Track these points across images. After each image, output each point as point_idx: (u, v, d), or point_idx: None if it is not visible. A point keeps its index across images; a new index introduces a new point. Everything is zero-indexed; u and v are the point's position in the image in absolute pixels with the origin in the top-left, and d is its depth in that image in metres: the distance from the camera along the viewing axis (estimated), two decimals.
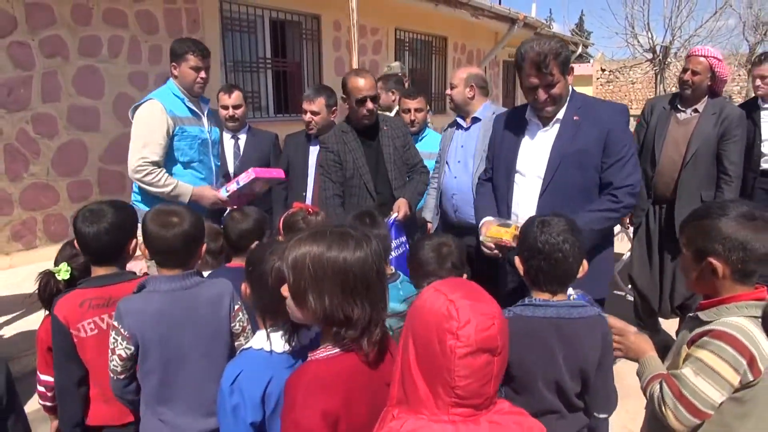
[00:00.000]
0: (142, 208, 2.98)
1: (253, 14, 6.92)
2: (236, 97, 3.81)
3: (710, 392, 1.46)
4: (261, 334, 1.53)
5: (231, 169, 3.83)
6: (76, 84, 5.14)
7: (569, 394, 1.68)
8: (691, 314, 1.68)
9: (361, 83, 3.05)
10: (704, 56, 3.34)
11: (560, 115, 2.42)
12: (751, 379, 1.47)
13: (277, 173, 3.18)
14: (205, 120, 3.27)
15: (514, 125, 2.55)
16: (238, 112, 3.82)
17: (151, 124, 3.00)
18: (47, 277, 1.99)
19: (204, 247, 1.92)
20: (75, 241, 1.94)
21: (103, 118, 5.37)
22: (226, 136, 3.87)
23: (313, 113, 3.50)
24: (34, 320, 3.64)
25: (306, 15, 7.66)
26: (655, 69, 13.36)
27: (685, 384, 1.49)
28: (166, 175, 3.03)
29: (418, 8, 8.63)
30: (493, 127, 2.71)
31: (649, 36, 13.81)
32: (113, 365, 1.77)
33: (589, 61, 25.49)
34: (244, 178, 3.00)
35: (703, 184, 3.51)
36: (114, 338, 1.75)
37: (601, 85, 23.72)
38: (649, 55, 13.74)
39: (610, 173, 2.33)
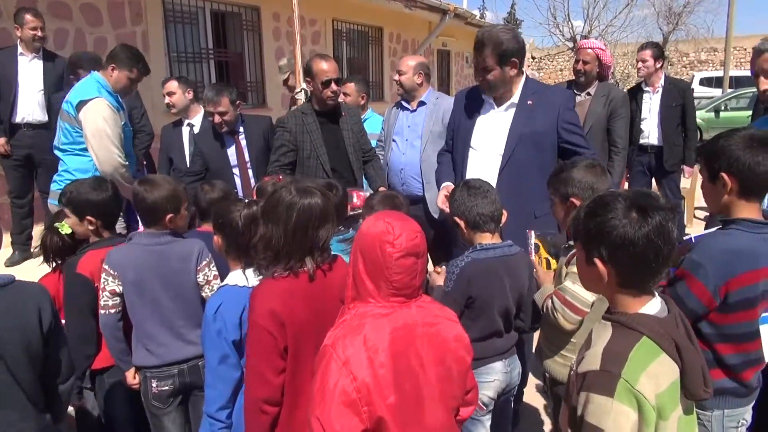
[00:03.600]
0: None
1: (195, 6, 7.15)
2: (167, 86, 4.00)
3: (584, 294, 1.97)
4: (234, 273, 1.96)
5: (186, 153, 3.99)
6: None
7: (510, 317, 2.20)
8: (565, 246, 2.24)
9: (325, 66, 3.23)
10: (591, 48, 4.00)
11: (515, 99, 2.70)
12: None
13: None
14: (126, 113, 3.57)
15: (472, 103, 2.83)
16: (173, 99, 3.97)
17: (114, 121, 3.24)
18: (51, 233, 2.37)
19: (170, 216, 2.26)
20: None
21: None
22: (183, 123, 4.09)
23: (221, 113, 3.50)
24: None
25: (246, 6, 7.94)
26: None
27: (566, 292, 2.01)
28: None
29: None
30: (454, 102, 3.01)
31: (570, 26, 14.82)
32: (104, 300, 2.15)
33: None
34: None
35: (599, 156, 4.16)
36: (105, 278, 2.15)
37: (531, 72, 24.88)
38: (571, 44, 14.75)
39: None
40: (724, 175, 1.76)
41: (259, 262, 1.77)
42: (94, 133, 3.22)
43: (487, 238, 2.18)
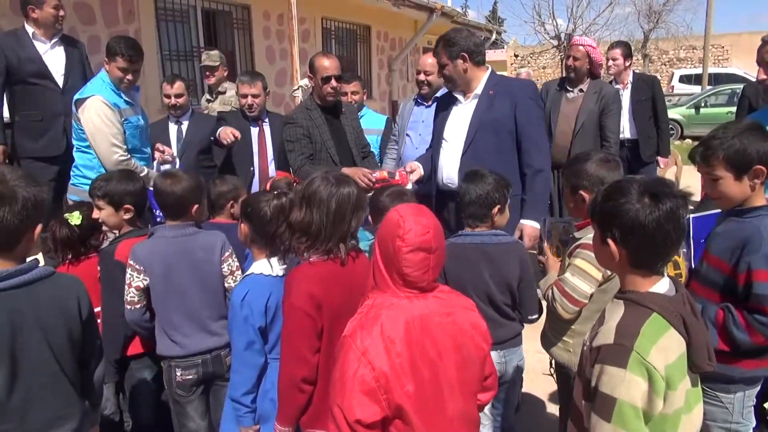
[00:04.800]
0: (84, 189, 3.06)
1: (186, 5, 7.17)
2: (178, 86, 4.06)
3: (583, 287, 2.06)
4: (259, 262, 2.03)
5: (174, 151, 4.05)
6: None
7: (499, 304, 2.27)
8: (571, 236, 2.33)
9: (326, 63, 3.37)
10: (582, 45, 4.13)
11: (478, 90, 2.93)
12: (609, 273, 2.07)
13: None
14: (138, 108, 3.61)
15: (447, 101, 3.12)
16: (180, 100, 4.06)
17: (110, 119, 3.28)
18: (59, 224, 2.42)
19: (196, 206, 2.36)
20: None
21: None
22: (170, 121, 4.17)
23: (254, 96, 3.79)
24: None
25: (236, 5, 7.97)
26: (561, 54, 14.56)
27: (566, 283, 2.09)
28: (138, 164, 3.41)
29: None
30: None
31: (554, 24, 15.04)
32: (130, 296, 2.21)
33: (503, 47, 26.88)
34: None
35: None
36: (130, 274, 2.21)
37: (515, 69, 25.14)
38: (555, 42, 14.98)
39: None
40: (762, 167, 1.81)
41: (298, 246, 1.83)
42: (92, 131, 3.28)
43: (469, 228, 2.31)
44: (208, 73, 5.14)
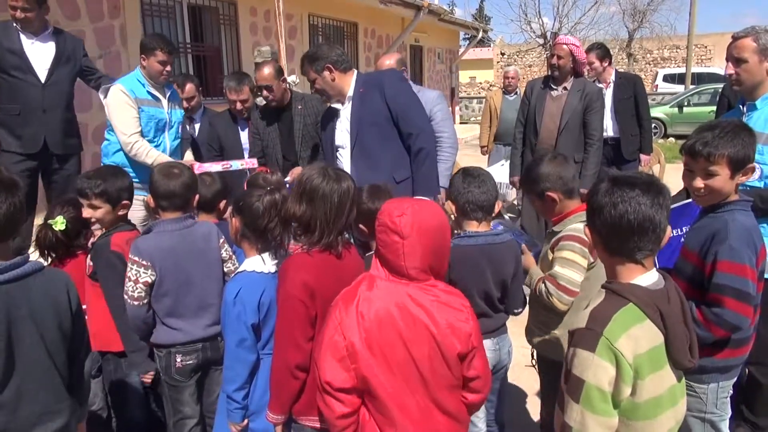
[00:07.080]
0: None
1: (172, 0, 7.13)
2: (189, 89, 4.19)
3: (575, 276, 2.11)
4: (251, 259, 2.04)
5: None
6: None
7: (493, 300, 2.30)
8: (548, 231, 2.39)
9: (257, 74, 3.66)
10: (565, 44, 4.18)
11: (350, 93, 3.06)
12: (592, 260, 2.15)
13: (251, 163, 3.73)
14: (165, 102, 3.74)
15: (330, 113, 3.25)
16: (192, 102, 4.23)
17: (124, 105, 3.55)
18: (45, 229, 2.40)
19: (197, 196, 2.42)
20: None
21: None
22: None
23: (243, 101, 3.91)
24: None
25: (223, 1, 7.93)
26: (547, 53, 14.67)
27: (559, 277, 2.13)
28: (150, 147, 3.59)
29: None
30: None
31: (540, 23, 15.16)
32: (137, 293, 2.20)
33: (490, 46, 27.01)
34: (218, 167, 3.55)
35: (576, 148, 4.31)
36: (136, 270, 2.19)
37: (501, 68, 25.26)
38: (541, 41, 15.09)
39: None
40: (753, 165, 1.88)
41: (301, 240, 1.88)
42: (110, 115, 3.62)
43: (473, 226, 2.28)
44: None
